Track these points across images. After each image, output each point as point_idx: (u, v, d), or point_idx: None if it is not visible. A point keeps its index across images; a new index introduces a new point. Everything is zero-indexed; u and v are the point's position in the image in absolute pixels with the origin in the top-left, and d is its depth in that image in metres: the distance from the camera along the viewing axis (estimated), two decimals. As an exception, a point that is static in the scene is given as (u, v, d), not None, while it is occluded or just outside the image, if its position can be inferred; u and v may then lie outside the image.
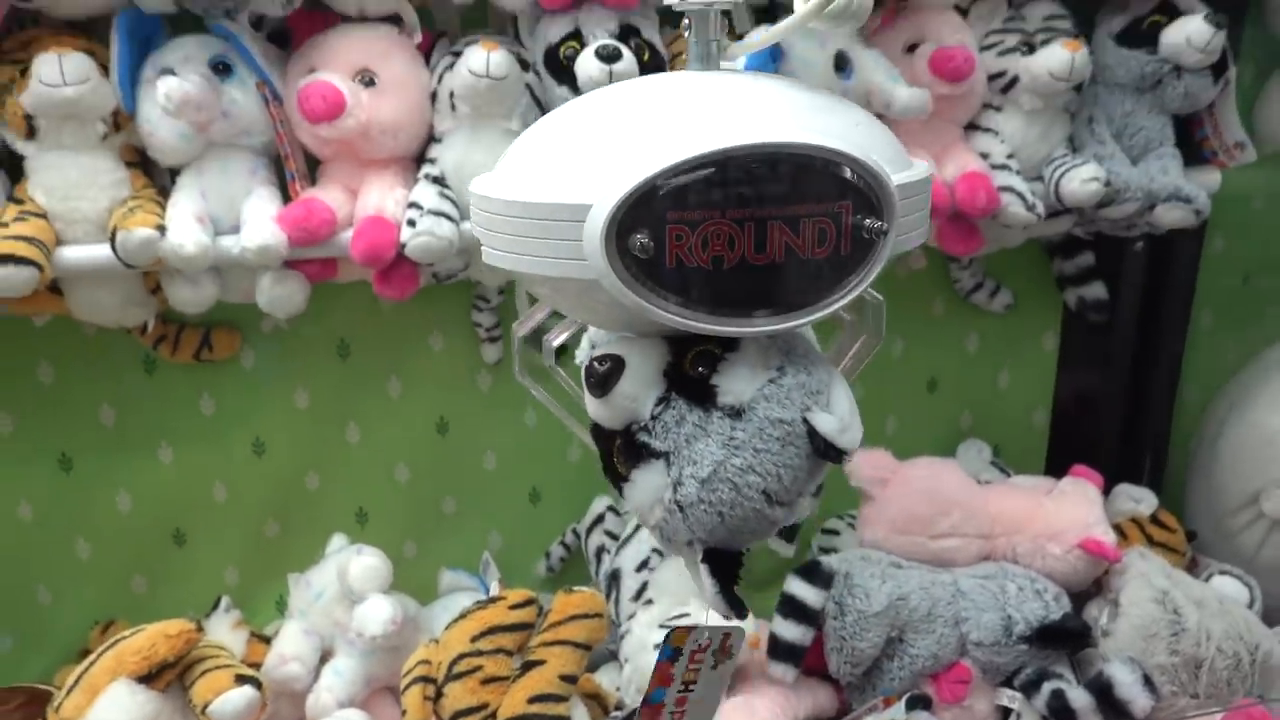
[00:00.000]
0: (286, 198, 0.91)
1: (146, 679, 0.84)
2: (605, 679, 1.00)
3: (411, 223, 0.88)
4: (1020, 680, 0.94)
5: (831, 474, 1.04)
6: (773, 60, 0.87)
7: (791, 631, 0.95)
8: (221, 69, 0.87)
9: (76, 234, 0.87)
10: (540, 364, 0.61)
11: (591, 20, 0.90)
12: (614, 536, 1.09)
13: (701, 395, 0.49)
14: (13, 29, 0.86)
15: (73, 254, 0.86)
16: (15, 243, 0.81)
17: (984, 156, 1.02)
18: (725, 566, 0.51)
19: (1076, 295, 1.19)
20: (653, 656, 0.90)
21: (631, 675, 0.97)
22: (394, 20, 0.92)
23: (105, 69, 0.85)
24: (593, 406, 0.51)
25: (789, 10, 0.50)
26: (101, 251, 0.85)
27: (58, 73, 0.81)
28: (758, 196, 0.44)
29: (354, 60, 0.89)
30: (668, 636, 0.59)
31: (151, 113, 0.86)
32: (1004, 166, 1.01)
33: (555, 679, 0.85)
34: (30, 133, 0.85)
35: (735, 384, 0.49)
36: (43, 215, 0.86)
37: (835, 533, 1.19)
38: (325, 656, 0.98)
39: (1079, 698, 0.89)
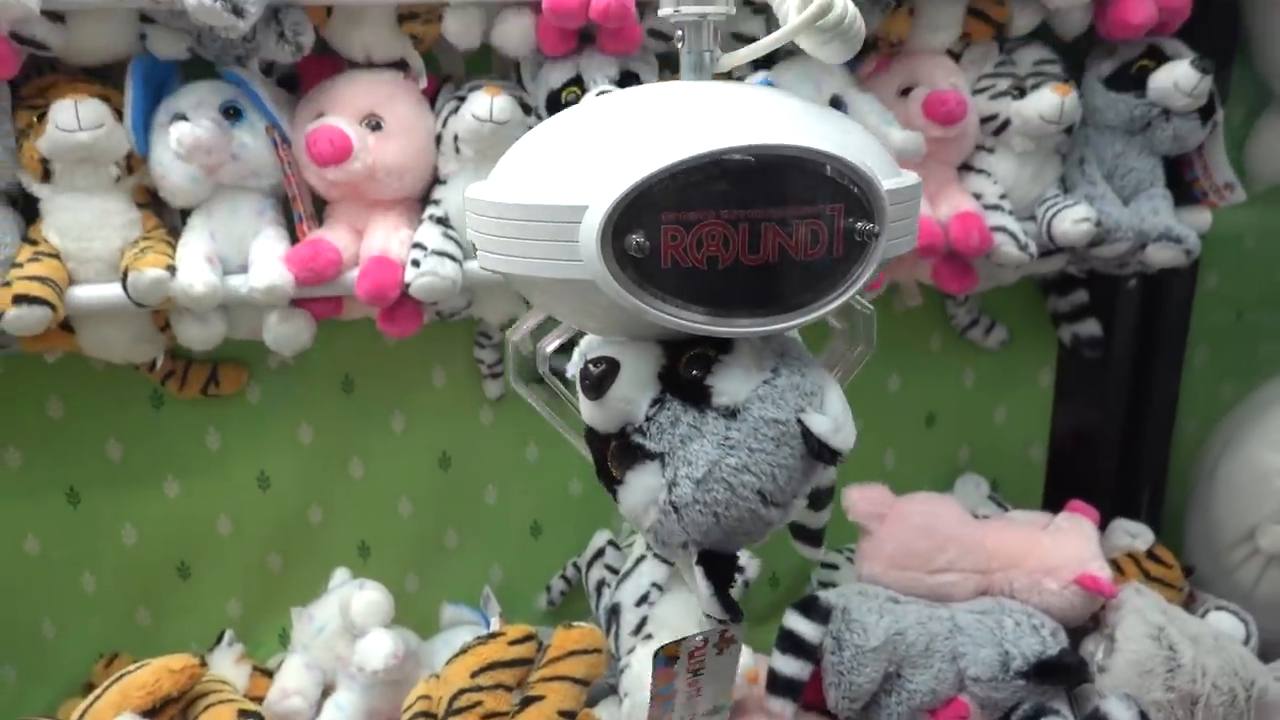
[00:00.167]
0: (294, 238, 0.93)
1: (150, 714, 0.84)
2: (605, 714, 1.00)
3: (416, 263, 0.90)
4: (1018, 716, 0.95)
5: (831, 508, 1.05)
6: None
7: (790, 666, 0.95)
8: (232, 113, 0.90)
9: (89, 274, 0.89)
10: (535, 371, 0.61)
11: (592, 66, 0.92)
12: (614, 571, 1.10)
13: (696, 396, 0.49)
14: (31, 75, 0.89)
15: (85, 293, 0.88)
16: (29, 283, 0.83)
17: (977, 197, 1.04)
18: (720, 569, 0.51)
19: (1071, 332, 1.21)
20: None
21: (631, 710, 0.98)
22: (400, 66, 0.95)
23: (120, 114, 0.87)
24: (587, 410, 0.51)
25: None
26: (113, 291, 0.87)
27: (73, 118, 0.83)
28: (751, 198, 0.45)
29: (361, 105, 0.91)
30: (658, 653, 0.58)
31: (164, 156, 0.88)
32: (997, 207, 1.03)
33: (554, 714, 0.86)
34: (46, 175, 0.87)
35: (730, 385, 0.49)
36: (56, 255, 0.88)
37: (834, 567, 1.20)
38: (327, 690, 0.99)
39: (1076, 734, 0.90)
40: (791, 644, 0.96)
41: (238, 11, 0.79)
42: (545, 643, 0.90)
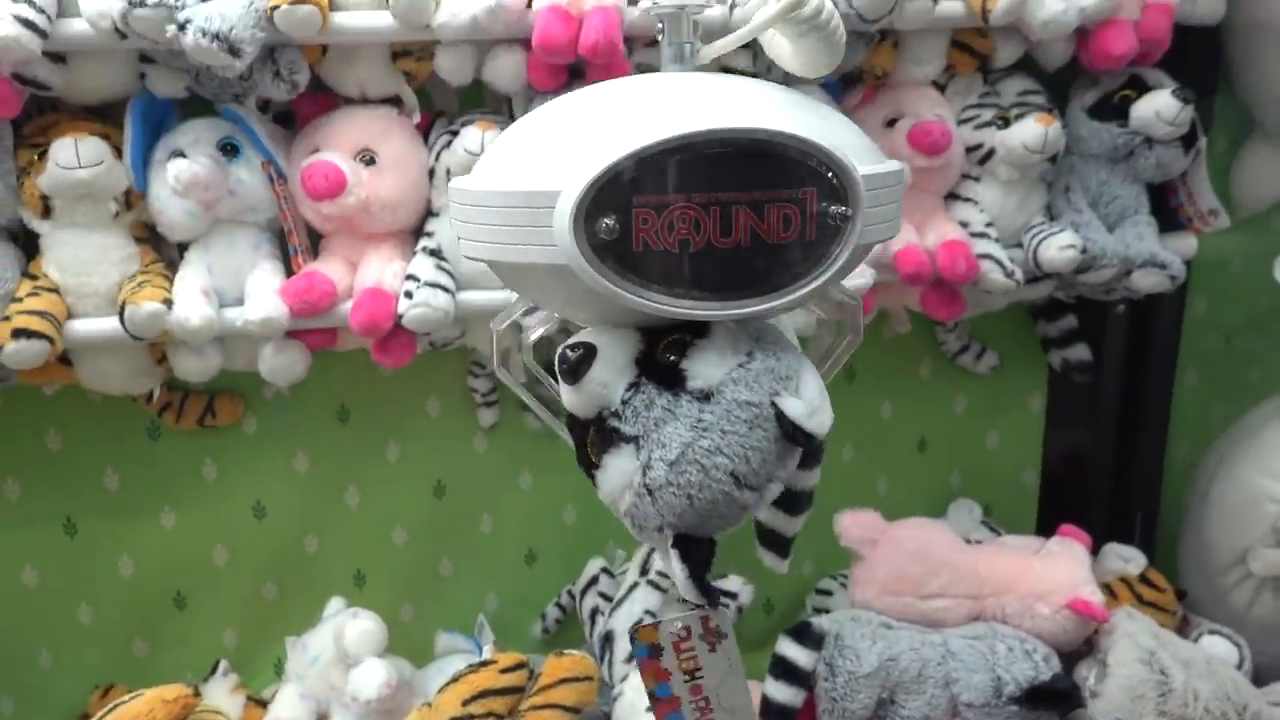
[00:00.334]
0: (290, 271, 0.95)
1: (144, 744, 0.85)
2: (598, 742, 1.00)
3: (409, 294, 0.91)
4: (1011, 742, 0.95)
5: (824, 534, 1.06)
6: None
7: (783, 693, 0.96)
8: (229, 150, 0.92)
9: (87, 308, 0.90)
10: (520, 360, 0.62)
11: (582, 100, 0.94)
12: (608, 598, 1.11)
13: (671, 380, 0.50)
14: (33, 114, 0.91)
15: (83, 327, 0.89)
16: (29, 317, 0.84)
17: (964, 225, 1.05)
18: (696, 553, 0.51)
19: (1061, 357, 1.22)
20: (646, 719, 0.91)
21: (624, 738, 0.98)
22: (394, 101, 0.96)
23: (119, 151, 0.89)
24: (566, 395, 0.52)
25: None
26: (110, 324, 0.89)
27: (73, 156, 0.85)
28: (721, 181, 0.45)
29: (355, 140, 0.93)
30: (634, 637, 0.58)
31: (162, 192, 0.90)
32: (983, 234, 1.04)
33: (546, 743, 0.86)
34: (46, 212, 0.89)
35: (704, 368, 0.50)
36: (55, 290, 0.89)
37: (828, 593, 1.20)
38: (321, 720, 0.99)
39: (1069, 760, 0.90)
40: (784, 670, 0.97)
41: (234, 51, 0.81)
42: (537, 670, 0.90)
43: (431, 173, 0.96)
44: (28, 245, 0.93)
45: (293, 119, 0.98)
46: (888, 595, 1.03)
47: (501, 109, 1.00)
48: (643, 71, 0.96)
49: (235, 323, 0.90)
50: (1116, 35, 0.99)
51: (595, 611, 1.11)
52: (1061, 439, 1.29)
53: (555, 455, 1.16)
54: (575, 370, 0.50)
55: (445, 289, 0.92)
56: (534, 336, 0.61)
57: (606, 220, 0.45)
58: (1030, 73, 1.07)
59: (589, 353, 0.50)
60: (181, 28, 0.79)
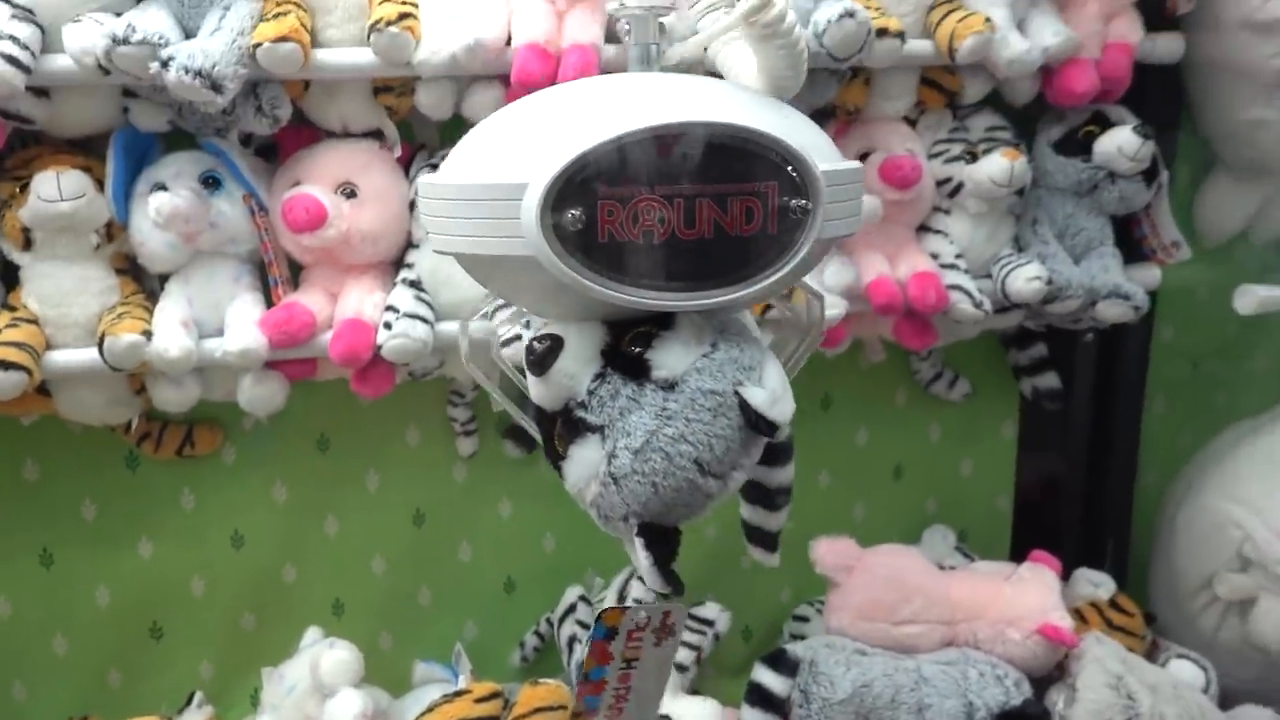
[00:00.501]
0: (270, 302, 0.95)
1: (118, 777, 0.84)
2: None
3: (388, 325, 0.92)
4: (984, 767, 0.96)
5: (802, 561, 1.07)
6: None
7: (759, 721, 0.96)
8: (211, 183, 0.93)
9: (66, 339, 0.91)
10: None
11: (560, 135, 0.96)
12: (586, 626, 1.11)
13: (636, 370, 0.51)
14: (15, 147, 0.92)
15: (62, 358, 0.90)
16: (6, 349, 0.85)
17: (934, 257, 1.08)
18: (661, 542, 0.52)
19: (1031, 385, 1.24)
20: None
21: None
22: (376, 135, 0.98)
23: (101, 184, 0.90)
24: (534, 387, 0.53)
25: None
26: (89, 355, 0.89)
27: (55, 189, 0.86)
28: (685, 174, 0.47)
29: (336, 173, 0.94)
30: (599, 617, 0.59)
31: (143, 224, 0.90)
32: (953, 266, 1.07)
33: (522, 772, 0.86)
34: (27, 244, 0.90)
35: (669, 359, 0.51)
36: (34, 321, 0.90)
37: (805, 619, 1.21)
38: (297, 751, 0.99)
39: (1040, 784, 0.91)
40: (760, 698, 0.97)
41: (216, 88, 0.82)
42: (512, 700, 0.90)
43: (412, 205, 0.97)
44: (7, 277, 0.93)
45: (275, 152, 0.99)
46: (862, 621, 1.04)
47: (481, 143, 1.01)
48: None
49: (214, 354, 0.91)
50: (1078, 74, 1.02)
51: (573, 639, 1.11)
52: (1034, 465, 1.31)
53: (534, 483, 1.17)
54: (542, 361, 0.51)
55: (424, 320, 0.93)
56: (504, 335, 0.62)
57: (572, 211, 0.46)
58: (998, 108, 1.10)
59: (556, 344, 0.52)
60: (164, 65, 0.80)
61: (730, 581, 1.19)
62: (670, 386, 0.51)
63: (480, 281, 0.57)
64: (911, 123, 1.09)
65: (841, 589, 1.06)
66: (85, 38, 0.82)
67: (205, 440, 1.06)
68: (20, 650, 1.08)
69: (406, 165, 0.99)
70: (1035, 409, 1.27)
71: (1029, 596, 1.04)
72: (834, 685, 0.96)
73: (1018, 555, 1.20)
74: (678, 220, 0.47)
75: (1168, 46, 1.08)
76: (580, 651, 1.09)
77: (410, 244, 0.99)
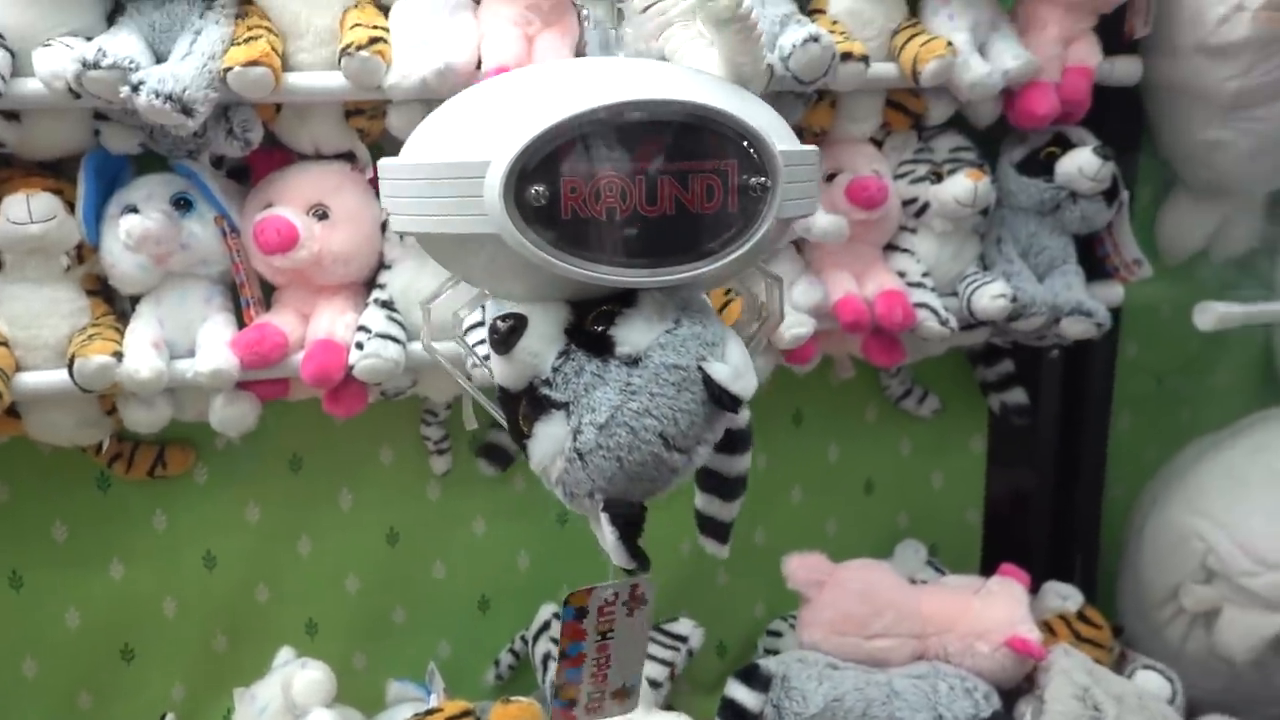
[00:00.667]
0: (242, 322, 0.96)
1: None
2: (549, 789, 1.00)
3: (360, 345, 0.93)
4: (954, 780, 0.97)
5: (774, 576, 1.08)
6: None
7: (731, 736, 0.97)
8: (182, 204, 0.93)
9: (36, 360, 0.91)
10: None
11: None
12: (560, 644, 1.11)
13: (600, 347, 0.52)
14: (-15, 170, 0.92)
15: (32, 379, 0.90)
16: (-24, 371, 0.85)
17: (901, 275, 1.09)
18: (627, 518, 0.53)
19: (999, 400, 1.26)
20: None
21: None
22: (348, 156, 0.99)
23: (72, 206, 0.90)
24: (498, 367, 0.54)
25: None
26: (59, 377, 0.89)
27: (25, 211, 0.86)
28: (646, 152, 0.48)
29: (308, 195, 0.95)
30: (566, 600, 0.59)
31: (114, 246, 0.91)
32: (920, 284, 1.08)
33: (494, 790, 0.86)
34: (-3, 266, 0.90)
35: (632, 335, 0.52)
36: (4, 343, 0.90)
37: (779, 634, 1.22)
38: (269, 773, 0.98)
39: (1009, 797, 0.92)
40: (733, 713, 0.98)
41: (187, 111, 0.83)
42: (484, 718, 0.90)
43: (384, 226, 0.98)
44: (-23, 299, 0.93)
45: (247, 174, 0.99)
46: (834, 636, 1.05)
47: (453, 164, 1.02)
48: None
49: (186, 374, 0.91)
50: (1039, 96, 1.05)
51: (548, 657, 1.12)
52: (1003, 479, 1.33)
53: (509, 502, 1.17)
54: (506, 340, 0.52)
55: (396, 340, 0.94)
56: (468, 321, 0.63)
57: (536, 188, 0.47)
58: (962, 130, 1.12)
59: (520, 323, 0.52)
60: (135, 89, 0.81)
61: (704, 597, 1.20)
62: (634, 362, 0.51)
63: (442, 263, 0.58)
64: (878, 144, 1.11)
65: (813, 604, 1.07)
66: (55, 62, 0.82)
67: (177, 461, 1.06)
68: (-11, 674, 1.07)
69: (378, 187, 0.99)
70: (1004, 424, 1.28)
71: (997, 610, 1.06)
72: (806, 700, 0.97)
73: (988, 568, 1.22)
74: (640, 197, 0.48)
75: (1126, 70, 1.11)
76: (554, 670, 1.09)
77: (382, 264, 1.00)
